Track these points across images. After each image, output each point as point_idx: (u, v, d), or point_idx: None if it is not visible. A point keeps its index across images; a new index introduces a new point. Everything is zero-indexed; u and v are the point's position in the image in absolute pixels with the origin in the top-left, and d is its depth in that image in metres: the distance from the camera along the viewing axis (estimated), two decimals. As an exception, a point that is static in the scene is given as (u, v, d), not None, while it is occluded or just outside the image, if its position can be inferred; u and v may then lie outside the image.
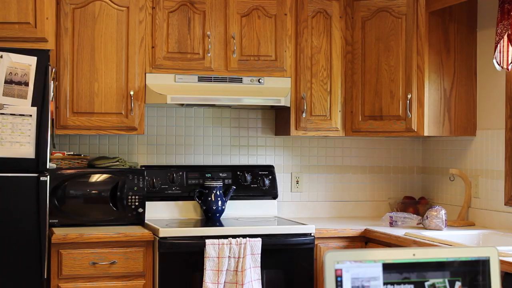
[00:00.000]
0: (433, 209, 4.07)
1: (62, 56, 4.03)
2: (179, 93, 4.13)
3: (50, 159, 3.93)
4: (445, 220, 4.03)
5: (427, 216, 4.06)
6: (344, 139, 4.82)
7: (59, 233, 3.78)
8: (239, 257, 3.81)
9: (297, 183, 4.75)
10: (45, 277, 3.67)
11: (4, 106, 3.59)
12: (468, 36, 4.34)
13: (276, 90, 4.30)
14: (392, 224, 4.23)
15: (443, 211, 4.04)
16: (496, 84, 4.18)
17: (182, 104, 4.30)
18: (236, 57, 4.27)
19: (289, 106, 4.34)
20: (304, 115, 4.36)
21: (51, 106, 3.80)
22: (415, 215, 4.27)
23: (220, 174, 4.50)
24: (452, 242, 3.55)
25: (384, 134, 4.47)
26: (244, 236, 3.87)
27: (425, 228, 4.05)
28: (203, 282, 3.76)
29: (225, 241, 3.82)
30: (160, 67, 4.18)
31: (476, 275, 1.68)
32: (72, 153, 4.28)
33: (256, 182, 4.55)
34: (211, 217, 4.38)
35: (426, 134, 4.25)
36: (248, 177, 4.53)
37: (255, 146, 4.70)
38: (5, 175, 3.62)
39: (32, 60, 3.64)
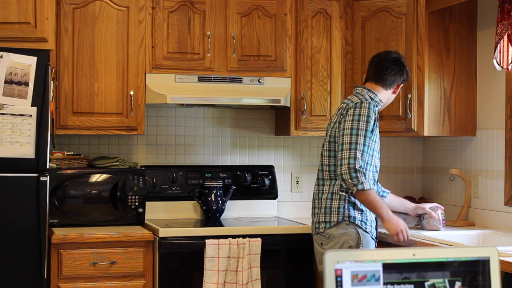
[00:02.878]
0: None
1: (62, 56, 4.03)
2: (179, 93, 4.13)
3: (50, 159, 3.93)
4: (443, 219, 4.00)
5: (423, 217, 4.02)
6: (344, 139, 4.82)
7: (59, 233, 3.78)
8: (239, 257, 3.82)
9: (297, 183, 4.75)
10: (45, 277, 3.67)
11: (4, 106, 3.59)
12: (468, 36, 4.34)
13: (276, 90, 4.30)
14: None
15: (439, 211, 4.00)
16: (496, 84, 4.18)
17: (182, 104, 4.30)
18: (236, 57, 4.27)
19: (289, 106, 4.34)
20: (304, 115, 4.36)
21: (51, 106, 3.80)
22: (414, 216, 4.26)
23: (220, 174, 4.50)
24: (452, 242, 3.55)
25: (384, 134, 4.47)
26: (244, 236, 3.87)
27: (422, 228, 4.02)
28: (203, 282, 3.76)
29: (225, 241, 3.82)
30: (160, 67, 4.18)
31: (476, 275, 1.68)
32: (72, 153, 4.28)
33: (256, 182, 4.55)
34: (211, 217, 4.39)
35: (426, 134, 4.25)
36: (248, 177, 4.53)
37: (255, 146, 4.70)
38: (5, 175, 3.62)
39: (32, 60, 3.64)
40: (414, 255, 1.66)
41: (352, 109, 3.49)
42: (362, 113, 3.46)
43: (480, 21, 4.33)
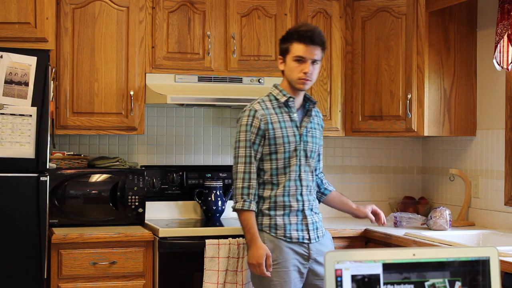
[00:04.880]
0: (437, 210, 4.07)
1: (62, 56, 4.03)
2: (179, 93, 4.12)
3: (50, 159, 3.93)
4: (450, 220, 4.04)
5: (431, 216, 4.06)
6: (344, 139, 4.82)
7: (59, 233, 3.78)
8: (238, 257, 3.81)
9: (297, 183, 4.74)
10: (45, 277, 3.67)
11: (4, 106, 3.59)
12: (468, 36, 4.34)
13: (276, 90, 4.30)
14: (396, 224, 4.23)
15: (447, 212, 4.04)
16: (496, 84, 4.18)
17: (182, 104, 4.30)
18: (236, 57, 4.27)
19: (289, 106, 4.34)
20: (304, 115, 4.35)
21: (51, 106, 3.80)
22: (419, 216, 4.28)
23: (220, 174, 4.50)
24: (452, 242, 3.55)
25: (384, 134, 4.47)
26: (244, 236, 3.87)
27: (429, 228, 4.05)
28: (203, 282, 3.76)
29: (225, 241, 3.82)
30: (160, 67, 4.18)
31: (476, 275, 1.68)
32: (72, 153, 4.28)
33: (256, 182, 4.54)
34: (211, 217, 4.38)
35: (426, 134, 4.25)
36: (248, 177, 4.52)
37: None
38: (5, 175, 3.62)
39: (32, 60, 3.64)
40: (414, 255, 1.66)
41: (239, 119, 3.45)
42: (241, 123, 3.40)
43: (480, 21, 4.33)
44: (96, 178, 4.10)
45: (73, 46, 4.05)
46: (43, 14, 3.84)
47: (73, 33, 4.05)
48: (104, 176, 4.11)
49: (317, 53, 3.36)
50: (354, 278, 1.62)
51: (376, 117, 4.38)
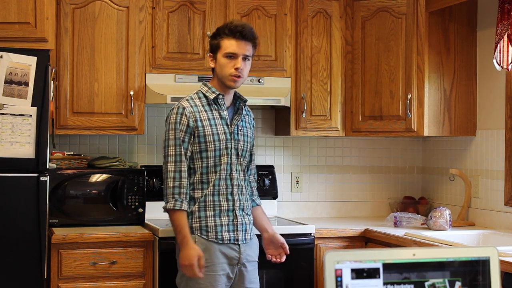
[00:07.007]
0: (437, 210, 4.07)
1: (62, 56, 4.03)
2: (179, 93, 4.12)
3: (50, 159, 3.93)
4: (450, 220, 4.04)
5: (431, 216, 4.06)
6: (344, 139, 4.82)
7: (59, 233, 3.78)
8: (239, 257, 3.80)
9: (297, 183, 4.75)
10: (45, 277, 3.67)
11: (4, 106, 3.59)
12: (468, 36, 4.34)
13: (276, 90, 4.30)
14: (396, 224, 4.23)
15: (447, 212, 4.04)
16: (496, 84, 4.18)
17: (182, 104, 4.30)
18: (236, 57, 4.27)
19: (289, 106, 4.34)
20: (304, 115, 4.36)
21: (51, 106, 3.80)
22: (419, 216, 4.28)
23: (220, 174, 4.49)
24: (452, 242, 3.55)
25: (384, 134, 4.47)
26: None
27: (429, 228, 4.04)
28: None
29: (225, 241, 3.81)
30: (160, 67, 4.18)
31: (476, 275, 1.68)
32: (72, 153, 4.28)
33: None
34: (211, 217, 4.37)
35: (426, 134, 4.25)
36: (248, 177, 4.52)
37: (255, 146, 4.69)
38: (5, 175, 3.62)
39: (32, 60, 3.64)
40: (414, 255, 1.66)
41: (167, 118, 3.36)
42: (169, 121, 3.32)
43: (480, 21, 4.33)
44: (96, 178, 4.10)
45: (73, 46, 4.05)
46: (43, 14, 3.84)
47: (73, 33, 4.05)
48: (104, 176, 4.11)
49: (249, 48, 3.30)
50: (354, 277, 1.62)
51: (376, 117, 4.38)
